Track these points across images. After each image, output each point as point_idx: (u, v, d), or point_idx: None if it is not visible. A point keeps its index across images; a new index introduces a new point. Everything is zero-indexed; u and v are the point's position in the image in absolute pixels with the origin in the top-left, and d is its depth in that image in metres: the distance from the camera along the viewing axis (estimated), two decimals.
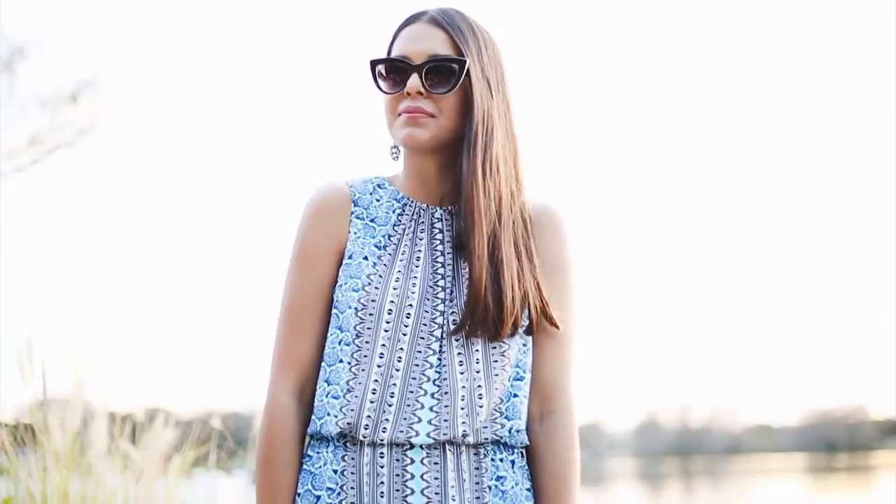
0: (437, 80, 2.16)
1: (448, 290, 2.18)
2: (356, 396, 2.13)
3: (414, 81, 2.15)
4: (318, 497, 2.15)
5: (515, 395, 2.19)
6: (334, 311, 2.19)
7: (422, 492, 2.11)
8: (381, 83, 2.18)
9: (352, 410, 2.13)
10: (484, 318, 2.13)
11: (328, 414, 2.15)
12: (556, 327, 2.21)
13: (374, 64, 2.19)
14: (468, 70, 2.16)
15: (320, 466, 2.17)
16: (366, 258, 2.20)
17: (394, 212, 2.25)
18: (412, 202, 2.26)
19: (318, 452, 2.19)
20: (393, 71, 2.18)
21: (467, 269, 2.18)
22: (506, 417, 2.17)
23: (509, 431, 2.17)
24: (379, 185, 2.29)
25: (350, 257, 2.20)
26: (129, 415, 3.90)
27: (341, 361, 2.16)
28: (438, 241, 2.22)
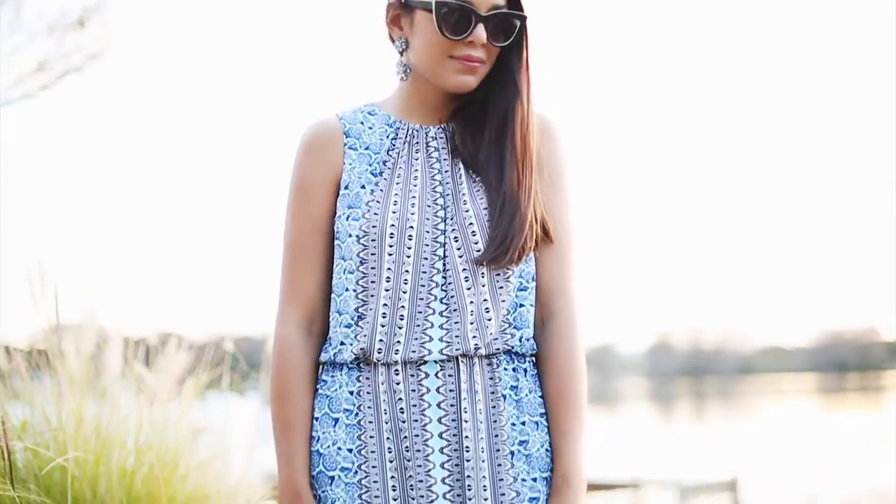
0: (497, 30, 2.18)
1: (448, 209, 2.20)
2: (367, 322, 2.16)
3: (480, 32, 2.16)
4: (337, 419, 2.18)
5: (522, 305, 2.22)
6: (336, 242, 2.21)
7: (438, 405, 2.14)
8: (444, 26, 2.18)
9: (364, 336, 2.15)
10: (509, 246, 2.15)
11: (342, 343, 2.18)
12: (551, 241, 2.23)
13: (439, 6, 2.19)
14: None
15: (336, 390, 2.19)
16: (363, 186, 2.21)
17: (387, 136, 2.27)
18: (404, 124, 2.28)
19: (332, 377, 2.21)
20: (457, 16, 2.18)
21: (465, 185, 2.21)
22: (515, 327, 2.20)
23: (520, 340, 2.20)
24: (370, 113, 2.31)
25: (347, 187, 2.22)
26: (142, 339, 3.93)
27: (348, 290, 2.18)
28: (435, 160, 2.24)
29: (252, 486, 3.93)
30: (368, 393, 2.16)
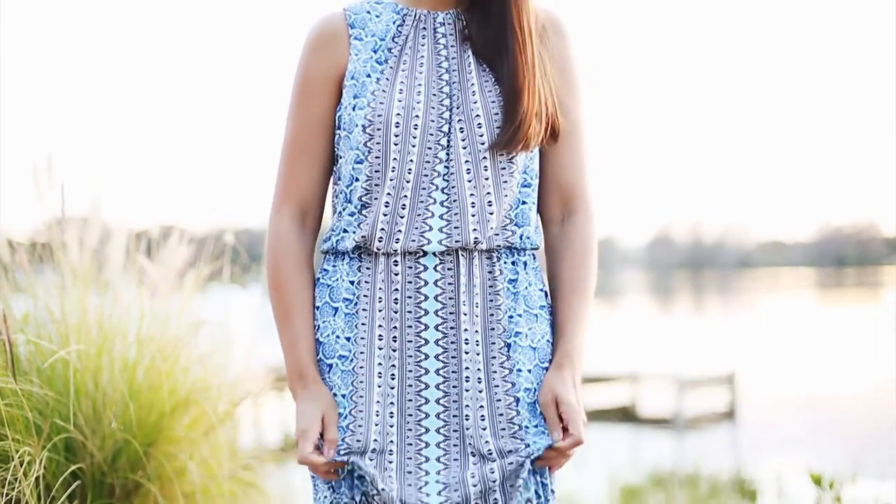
0: None
1: (454, 97, 2.18)
2: (371, 211, 2.15)
3: None
4: (336, 308, 2.19)
5: (524, 203, 2.22)
6: (344, 133, 2.20)
7: (435, 297, 2.15)
8: None
9: (367, 224, 2.15)
10: (517, 131, 2.14)
11: (344, 230, 2.19)
12: (556, 137, 2.22)
13: None
14: None
15: (337, 279, 2.20)
16: (368, 75, 2.20)
17: (393, 23, 2.25)
18: (412, 11, 2.25)
19: (334, 266, 2.22)
20: None
21: (473, 73, 2.19)
22: (516, 224, 2.20)
23: (520, 238, 2.20)
24: (377, 2, 2.28)
25: (353, 78, 2.20)
26: (144, 231, 3.93)
27: (357, 180, 2.18)
28: (442, 46, 2.23)
29: (253, 378, 3.96)
30: (367, 283, 2.17)
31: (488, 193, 2.15)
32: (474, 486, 2.12)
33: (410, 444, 2.14)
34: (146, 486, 3.21)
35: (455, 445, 2.13)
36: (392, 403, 2.14)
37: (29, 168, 3.53)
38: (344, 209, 2.20)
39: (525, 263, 2.22)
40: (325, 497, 2.19)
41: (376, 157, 2.15)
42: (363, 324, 2.16)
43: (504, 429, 2.14)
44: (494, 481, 2.12)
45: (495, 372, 2.16)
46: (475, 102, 2.17)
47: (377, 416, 2.13)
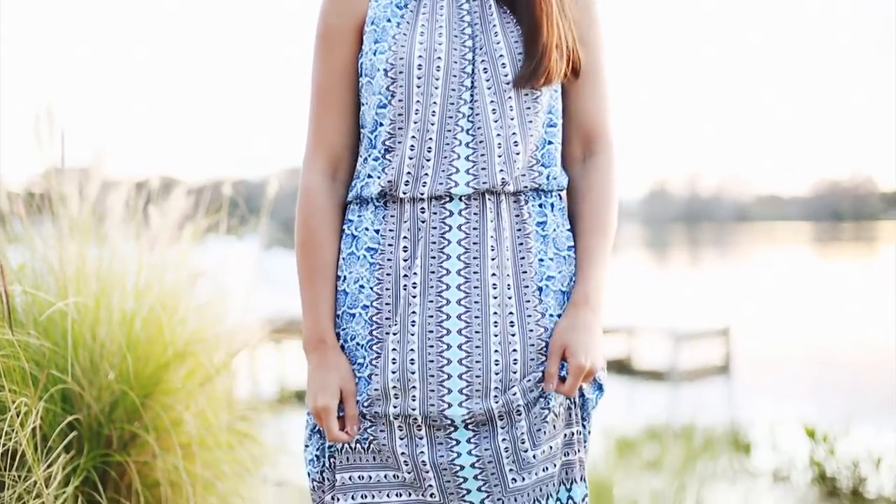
0: None
1: (477, 38, 2.17)
2: (396, 155, 2.15)
3: None
4: (361, 258, 2.19)
5: (550, 143, 2.21)
6: (366, 79, 2.19)
7: (458, 242, 2.13)
8: None
9: (392, 169, 2.15)
10: (539, 65, 2.14)
11: (369, 176, 2.18)
12: (578, 73, 2.22)
13: None
14: None
15: (362, 229, 2.20)
16: (388, 20, 2.18)
17: None
18: None
19: (359, 216, 2.21)
20: None
21: (494, 14, 2.18)
22: (542, 165, 2.20)
23: (547, 178, 2.20)
24: None
25: (373, 23, 2.19)
26: (143, 182, 3.90)
27: (381, 125, 2.17)
28: None
29: (250, 329, 3.96)
30: (391, 231, 2.16)
31: (514, 133, 2.14)
32: (496, 403, 2.12)
33: (433, 390, 2.14)
34: (143, 437, 3.21)
35: (478, 390, 2.13)
36: (412, 350, 2.13)
37: (28, 117, 3.50)
38: (368, 155, 2.19)
39: (552, 205, 2.22)
40: (318, 444, 2.21)
41: (399, 101, 2.14)
42: (389, 273, 2.16)
43: (532, 371, 2.16)
44: (518, 403, 2.13)
45: (529, 316, 2.16)
46: (498, 42, 2.17)
47: (394, 363, 2.14)
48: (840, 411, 10.82)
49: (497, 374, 2.13)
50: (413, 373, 2.13)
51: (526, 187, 2.17)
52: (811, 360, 19.09)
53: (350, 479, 2.19)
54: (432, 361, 2.13)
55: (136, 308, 3.41)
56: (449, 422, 2.13)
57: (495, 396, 2.12)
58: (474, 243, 2.13)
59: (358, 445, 2.17)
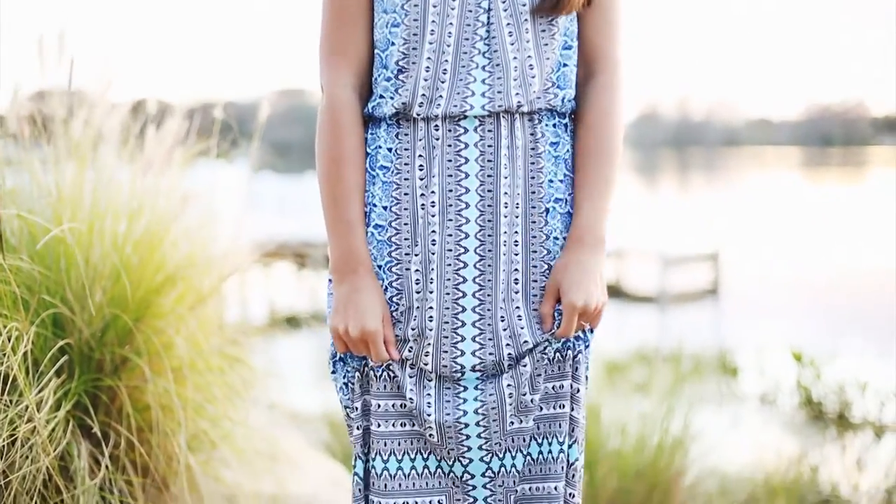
0: None
1: None
2: (410, 77, 2.12)
3: None
4: (374, 177, 2.17)
5: (565, 65, 2.19)
6: None
7: (476, 160, 2.12)
8: None
9: (406, 90, 2.12)
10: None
11: (381, 96, 2.16)
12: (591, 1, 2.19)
13: None
14: None
15: (375, 147, 2.17)
16: None
17: None
18: None
19: (372, 134, 2.19)
20: None
21: None
22: (558, 87, 2.18)
23: (562, 101, 2.18)
24: None
25: None
26: (139, 105, 3.86)
27: (393, 44, 2.13)
28: None
29: (240, 253, 3.95)
30: (406, 149, 2.14)
31: (529, 56, 2.12)
32: (507, 345, 2.13)
33: (447, 308, 2.14)
34: (134, 361, 3.21)
35: (489, 310, 2.14)
36: (432, 270, 2.13)
37: (27, 39, 3.45)
38: (379, 74, 2.16)
39: (566, 126, 2.21)
40: (343, 372, 2.21)
41: (414, 20, 2.11)
42: (406, 193, 2.14)
43: (535, 295, 2.17)
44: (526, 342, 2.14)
45: (534, 237, 2.16)
46: None
47: (418, 284, 2.14)
48: (827, 336, 10.90)
49: (501, 293, 2.13)
50: (431, 292, 2.13)
51: (541, 108, 2.15)
52: (799, 285, 19.19)
53: (366, 404, 2.19)
54: (449, 280, 2.13)
55: (127, 232, 3.39)
56: (459, 367, 2.14)
57: (507, 345, 2.13)
58: (489, 161, 2.12)
59: (371, 372, 2.17)
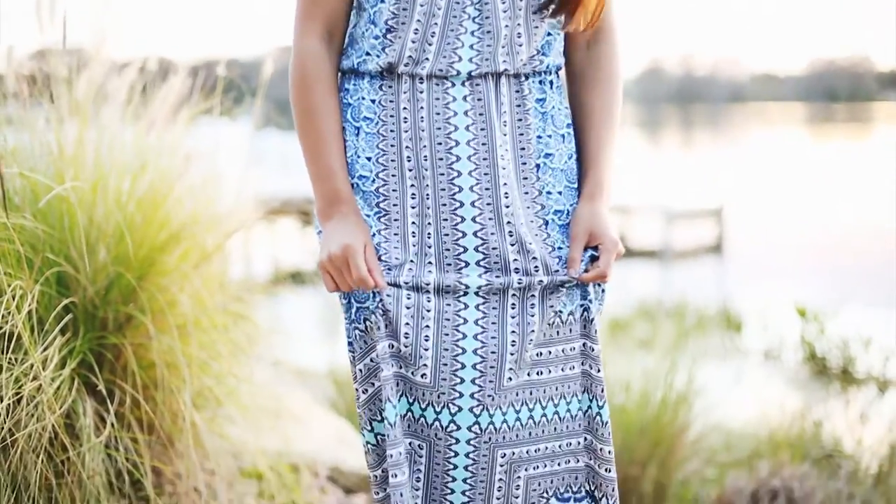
0: None
1: None
2: (398, 37, 2.11)
3: None
4: (358, 128, 2.17)
5: (550, 34, 2.19)
6: None
7: (465, 113, 2.12)
8: None
9: (393, 50, 2.12)
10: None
11: (367, 53, 2.15)
12: None
13: None
14: None
15: (358, 98, 2.17)
16: None
17: None
18: None
19: (355, 85, 2.19)
20: None
21: None
22: (543, 54, 2.19)
23: (547, 67, 2.20)
24: None
25: None
26: (142, 66, 3.83)
27: (383, 2, 2.12)
28: None
29: (244, 210, 3.94)
30: (391, 101, 2.14)
31: (519, 24, 2.12)
32: (516, 271, 2.14)
33: (450, 264, 2.15)
34: (138, 319, 3.22)
35: (496, 262, 2.14)
36: (429, 224, 2.14)
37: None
38: (367, 31, 2.15)
39: (551, 83, 2.22)
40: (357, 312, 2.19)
41: None
42: (392, 145, 2.14)
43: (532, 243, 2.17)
44: (537, 269, 2.15)
45: (526, 193, 2.17)
46: None
47: (414, 236, 2.15)
48: (831, 292, 10.91)
49: (513, 245, 2.14)
50: (430, 247, 2.14)
51: (527, 73, 2.16)
52: (803, 241, 19.19)
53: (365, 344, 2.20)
54: (447, 235, 2.13)
55: (131, 191, 3.38)
56: (463, 287, 2.14)
57: (516, 269, 2.14)
58: (479, 115, 2.12)
59: (373, 315, 2.16)
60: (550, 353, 2.19)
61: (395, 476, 2.14)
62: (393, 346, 2.15)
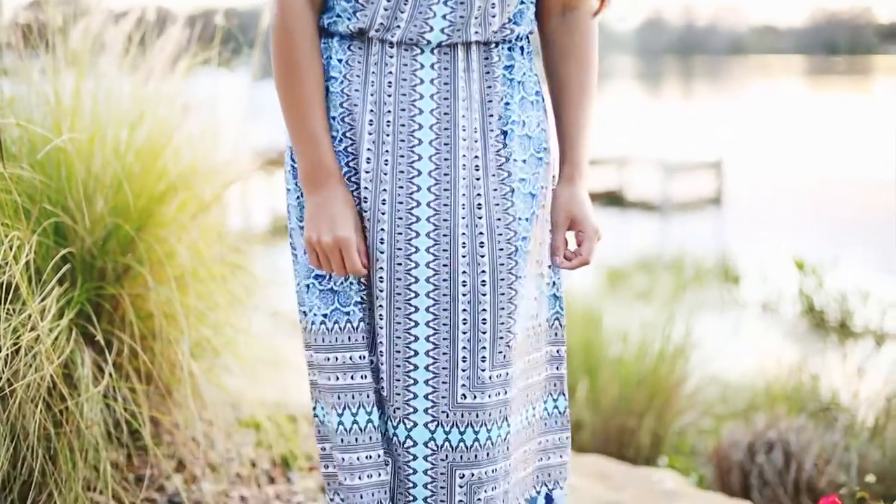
0: None
1: None
2: (371, 3, 2.07)
3: None
4: (327, 87, 2.14)
5: (523, 2, 2.17)
6: None
7: (431, 81, 2.10)
8: None
9: (364, 15, 2.09)
10: None
11: (338, 16, 2.12)
12: None
13: None
14: None
15: (327, 58, 2.15)
16: None
17: None
18: None
19: (325, 44, 2.16)
20: None
21: None
22: (514, 24, 2.16)
23: (517, 35, 2.18)
24: None
25: None
26: (140, 15, 3.80)
27: None
28: None
29: (242, 161, 3.93)
30: (359, 62, 2.12)
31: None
32: (463, 245, 2.12)
33: (401, 234, 2.12)
34: (136, 269, 3.21)
35: (445, 235, 2.11)
36: (384, 190, 2.11)
37: None
38: None
39: (521, 49, 2.20)
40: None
41: None
42: (355, 104, 2.12)
43: (500, 219, 2.14)
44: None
45: (491, 161, 2.14)
46: None
47: (366, 201, 2.12)
48: (830, 246, 10.92)
49: (463, 218, 2.11)
50: (384, 213, 2.11)
51: (497, 41, 2.15)
52: (802, 194, 19.18)
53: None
54: (402, 203, 2.11)
55: (129, 141, 3.37)
56: (413, 249, 2.11)
57: (463, 244, 2.11)
58: (445, 84, 2.10)
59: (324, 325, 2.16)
60: (547, 353, 2.27)
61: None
62: (351, 359, 2.16)
